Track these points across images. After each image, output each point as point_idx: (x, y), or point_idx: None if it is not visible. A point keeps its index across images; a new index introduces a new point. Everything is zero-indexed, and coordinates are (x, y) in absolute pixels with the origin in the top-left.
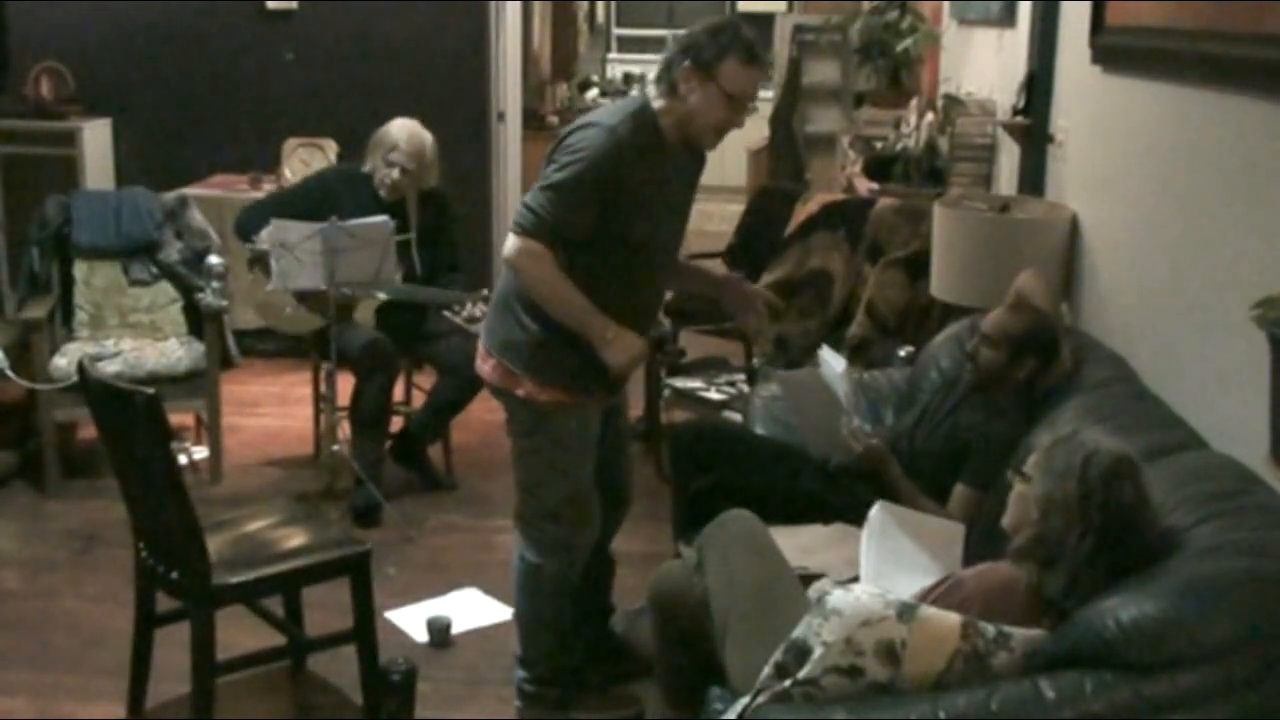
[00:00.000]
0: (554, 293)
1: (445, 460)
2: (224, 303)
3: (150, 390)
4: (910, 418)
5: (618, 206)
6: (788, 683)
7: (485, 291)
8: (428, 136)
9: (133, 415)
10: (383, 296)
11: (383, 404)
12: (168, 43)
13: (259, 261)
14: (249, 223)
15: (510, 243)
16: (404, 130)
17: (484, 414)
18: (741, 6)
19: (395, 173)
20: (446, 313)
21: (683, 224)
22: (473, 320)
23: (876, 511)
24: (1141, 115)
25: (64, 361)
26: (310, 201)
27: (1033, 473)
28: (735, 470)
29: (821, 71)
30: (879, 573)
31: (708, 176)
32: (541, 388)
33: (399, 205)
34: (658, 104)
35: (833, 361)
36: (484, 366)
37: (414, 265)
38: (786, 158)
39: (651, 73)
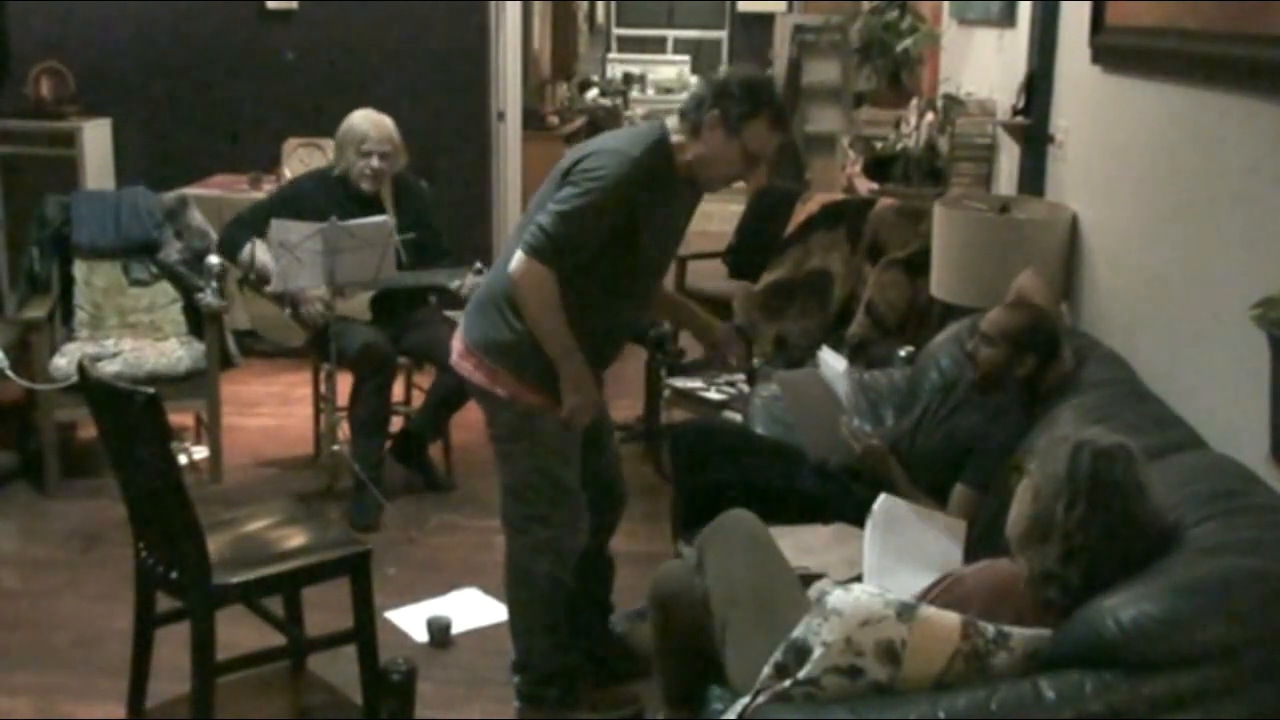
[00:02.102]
0: (545, 319)
1: (445, 460)
2: (224, 303)
3: (150, 390)
4: (910, 418)
5: (622, 232)
6: (788, 683)
7: (479, 265)
8: (388, 119)
9: (133, 415)
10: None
11: (380, 406)
12: (168, 43)
13: (247, 281)
14: (231, 240)
15: (518, 260)
16: (366, 120)
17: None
18: (741, 6)
19: (375, 161)
20: (450, 282)
21: (675, 251)
22: (475, 289)
23: (881, 504)
24: (1141, 115)
25: (64, 361)
26: (288, 210)
27: (1032, 469)
28: (735, 470)
29: (821, 71)
30: (881, 565)
31: None
32: (525, 388)
33: (375, 200)
34: (677, 138)
35: (833, 361)
36: (464, 364)
37: (399, 254)
38: (786, 158)
39: (652, 73)
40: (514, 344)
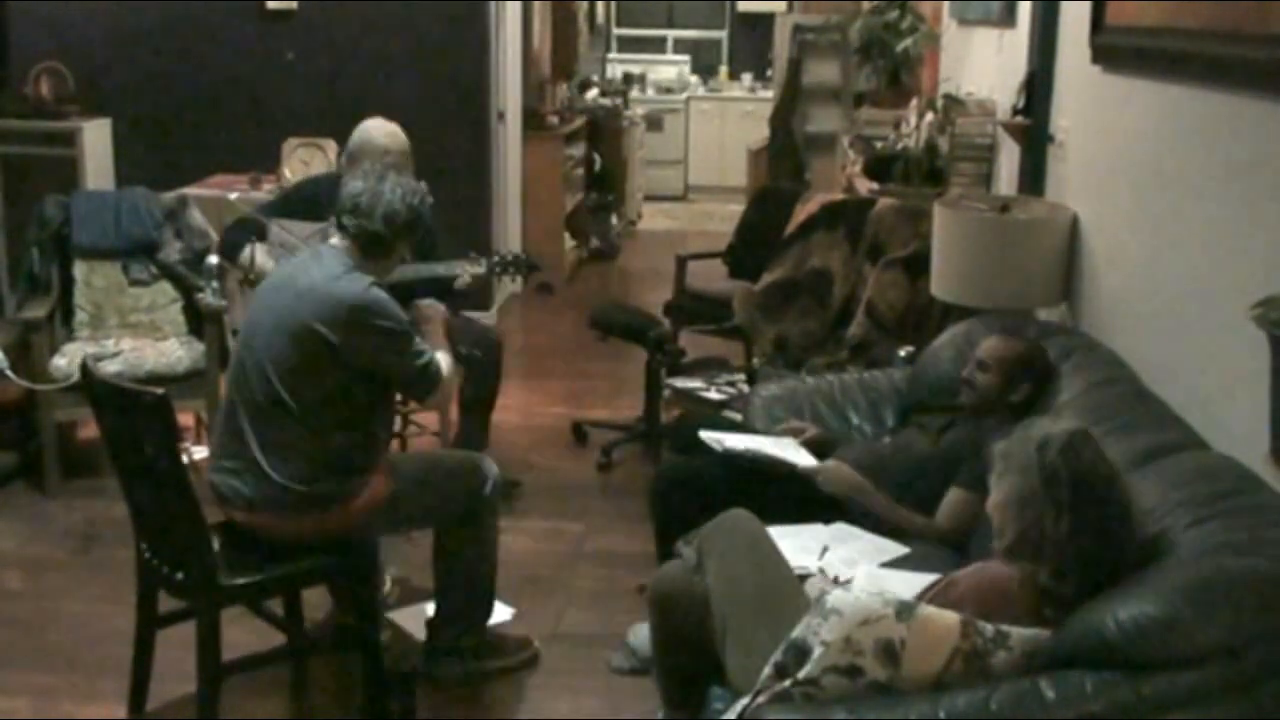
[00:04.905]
0: None
1: None
2: (224, 302)
3: (159, 390)
4: (903, 434)
5: None
6: (787, 683)
7: (474, 254)
8: (399, 129)
9: (140, 416)
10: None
11: None
12: (168, 43)
13: (249, 282)
14: (232, 241)
15: None
16: (380, 132)
17: None
18: (741, 6)
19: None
20: (449, 273)
21: None
22: (474, 280)
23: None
24: (1141, 115)
25: (64, 361)
26: (293, 212)
27: (996, 477)
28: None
29: (821, 71)
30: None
31: (708, 177)
32: None
33: None
34: None
35: (738, 443)
36: None
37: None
38: (786, 158)
39: (652, 73)
40: None
